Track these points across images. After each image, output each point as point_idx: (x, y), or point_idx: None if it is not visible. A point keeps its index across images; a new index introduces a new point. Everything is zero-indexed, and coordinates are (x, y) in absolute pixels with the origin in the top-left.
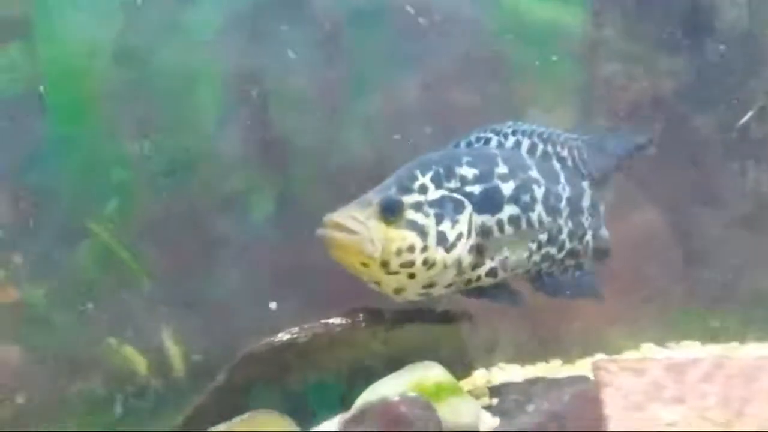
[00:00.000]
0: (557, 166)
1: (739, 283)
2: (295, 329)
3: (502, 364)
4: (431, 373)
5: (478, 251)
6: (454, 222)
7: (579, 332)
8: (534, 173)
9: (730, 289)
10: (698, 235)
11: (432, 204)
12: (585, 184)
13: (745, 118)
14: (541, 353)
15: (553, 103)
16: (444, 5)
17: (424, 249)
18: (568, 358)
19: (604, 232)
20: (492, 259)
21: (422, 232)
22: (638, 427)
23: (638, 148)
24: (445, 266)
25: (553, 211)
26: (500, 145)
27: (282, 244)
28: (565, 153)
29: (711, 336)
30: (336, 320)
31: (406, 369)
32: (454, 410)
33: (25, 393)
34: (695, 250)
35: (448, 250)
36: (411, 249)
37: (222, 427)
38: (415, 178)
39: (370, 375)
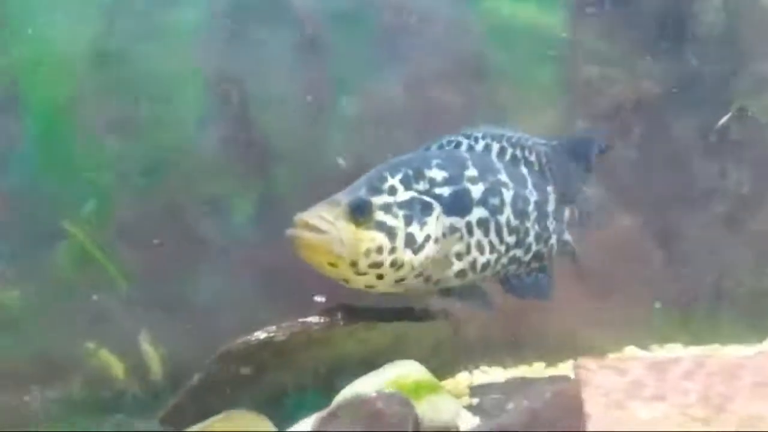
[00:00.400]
0: (525, 170)
1: (721, 284)
2: (272, 328)
3: (484, 367)
4: (410, 371)
5: (445, 253)
6: (423, 224)
7: (562, 335)
8: (503, 177)
9: (712, 290)
10: (679, 236)
11: (401, 205)
12: (550, 188)
13: (724, 120)
14: (524, 356)
15: (533, 105)
16: (425, 7)
17: (393, 250)
18: (551, 362)
19: (567, 237)
20: (461, 260)
21: (391, 234)
22: (618, 424)
23: (600, 151)
24: (413, 267)
25: (521, 214)
26: (471, 148)
27: (262, 246)
28: (532, 158)
29: (693, 338)
30: (314, 319)
31: (384, 367)
32: (433, 408)
33: None
34: (676, 251)
35: (416, 251)
36: (379, 250)
37: (198, 427)
38: (385, 180)
39: (347, 374)
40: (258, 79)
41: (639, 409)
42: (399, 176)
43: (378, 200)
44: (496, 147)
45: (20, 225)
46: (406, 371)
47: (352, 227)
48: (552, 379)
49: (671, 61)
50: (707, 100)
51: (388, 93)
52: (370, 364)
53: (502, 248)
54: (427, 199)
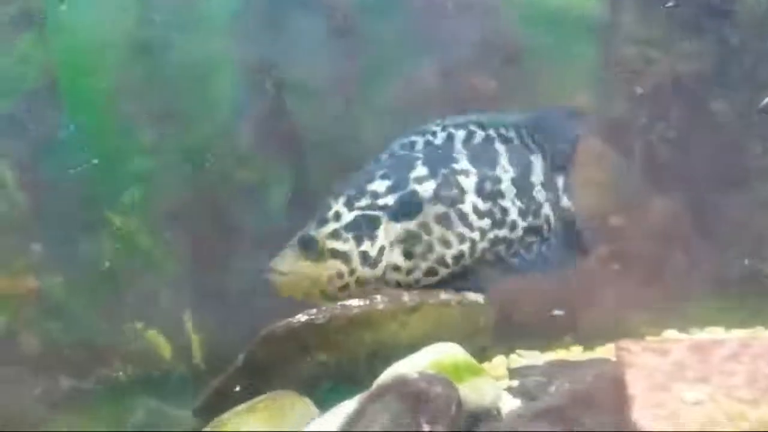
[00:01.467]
0: (501, 147)
1: (763, 267)
2: (313, 310)
3: (521, 351)
4: (451, 354)
5: (407, 257)
6: (373, 238)
7: (600, 319)
8: (462, 165)
9: (753, 273)
10: (721, 218)
11: (347, 228)
12: (534, 158)
13: (766, 100)
14: (561, 340)
15: (571, 88)
16: None
17: (352, 272)
18: (589, 345)
19: (566, 203)
20: (425, 259)
21: (345, 258)
22: (663, 406)
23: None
24: (377, 279)
25: (491, 196)
26: (428, 144)
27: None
28: (511, 134)
29: (736, 321)
30: (354, 302)
31: (425, 350)
32: (474, 390)
33: (47, 381)
34: (718, 233)
35: (373, 266)
36: (340, 275)
37: (242, 407)
38: (329, 208)
39: (388, 356)
40: (293, 67)
41: (684, 390)
42: (342, 200)
43: (325, 230)
44: (461, 134)
45: (64, 213)
46: (447, 354)
47: (308, 263)
48: (593, 362)
49: (711, 40)
50: (749, 79)
51: (422, 79)
52: (410, 347)
53: (476, 235)
54: (372, 213)
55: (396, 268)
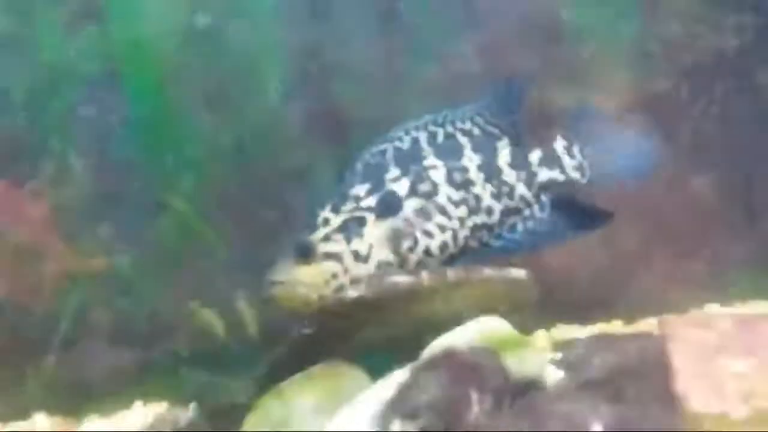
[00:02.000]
0: (463, 139)
1: None
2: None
3: (561, 325)
4: (496, 327)
5: (395, 252)
6: (361, 236)
7: (640, 294)
8: (430, 161)
9: None
10: (762, 193)
11: (337, 230)
12: (499, 143)
13: None
14: (602, 315)
15: (613, 66)
16: None
17: (346, 271)
18: (629, 320)
19: (550, 175)
20: (413, 252)
21: (338, 258)
22: (709, 378)
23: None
24: (372, 271)
25: (462, 185)
26: (397, 149)
27: None
28: (467, 126)
29: None
30: (399, 278)
31: (471, 323)
32: (520, 361)
33: (116, 355)
34: (759, 208)
35: (365, 261)
36: (335, 276)
37: (298, 377)
38: (317, 215)
39: (434, 330)
40: (338, 50)
41: (729, 364)
42: (328, 207)
43: (317, 235)
44: (423, 136)
45: (126, 197)
46: (492, 327)
47: (305, 269)
48: (636, 335)
49: (756, 14)
50: None
51: (464, 59)
52: (455, 320)
53: (456, 224)
54: (358, 214)
55: (387, 264)
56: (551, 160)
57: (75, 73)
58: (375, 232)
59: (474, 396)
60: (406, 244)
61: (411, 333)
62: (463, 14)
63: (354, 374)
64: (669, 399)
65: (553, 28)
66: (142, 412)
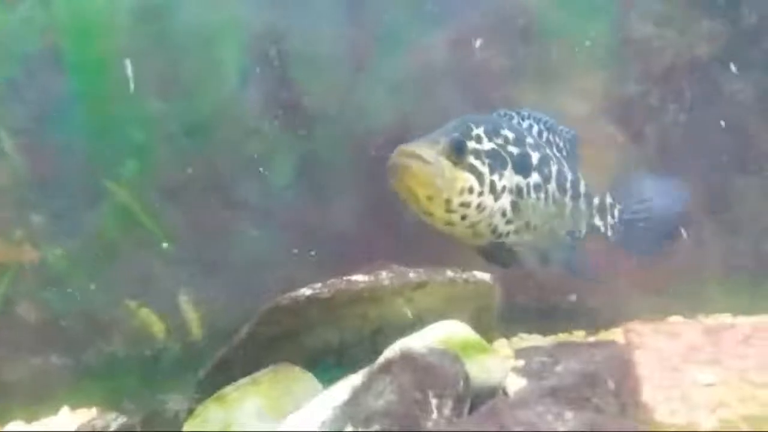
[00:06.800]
0: (557, 152)
1: None
2: (317, 285)
3: (522, 335)
4: (458, 331)
5: (514, 208)
6: (501, 175)
7: (603, 304)
8: (548, 151)
9: (764, 260)
10: (732, 203)
11: (486, 154)
12: (580, 173)
13: None
14: (564, 325)
15: (583, 66)
16: None
17: (480, 193)
18: (592, 331)
19: (598, 222)
20: (520, 218)
21: (480, 178)
22: (675, 387)
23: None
24: (492, 213)
25: (562, 188)
26: (518, 124)
27: (302, 206)
28: (561, 144)
29: (744, 308)
30: (359, 277)
31: (431, 326)
32: (481, 368)
33: (43, 354)
34: (729, 218)
35: (496, 198)
36: (471, 190)
37: (244, 380)
38: (471, 129)
39: (392, 334)
40: (299, 36)
41: (696, 372)
42: (482, 128)
43: (469, 145)
44: (536, 128)
45: (63, 183)
46: (454, 331)
47: (450, 165)
48: (599, 344)
49: (728, 19)
50: (766, 60)
51: (432, 52)
52: (414, 324)
53: (546, 217)
54: (503, 154)
55: (503, 214)
56: (602, 209)
57: (10, 46)
58: (510, 180)
59: (433, 401)
60: (521, 206)
61: (367, 337)
62: (433, 7)
63: (304, 378)
64: (635, 408)
65: (522, 26)
66: (70, 418)
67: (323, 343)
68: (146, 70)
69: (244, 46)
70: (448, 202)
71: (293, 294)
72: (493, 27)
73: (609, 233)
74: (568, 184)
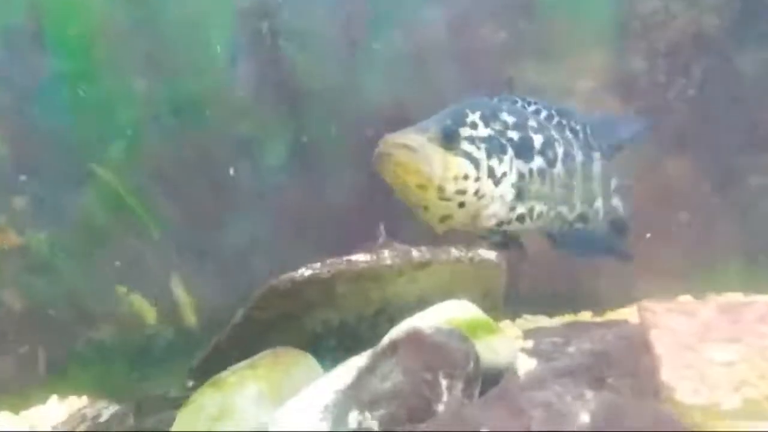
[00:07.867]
0: (570, 135)
1: None
2: (317, 265)
3: (528, 316)
4: (465, 311)
5: (516, 193)
6: (500, 160)
7: (610, 285)
8: (554, 133)
9: None
10: (740, 182)
11: (482, 140)
12: (596, 154)
13: None
14: (570, 305)
15: (587, 42)
16: None
17: (477, 179)
18: (599, 311)
19: (617, 203)
20: (524, 204)
21: (476, 164)
22: (693, 366)
23: (639, 134)
24: (492, 199)
25: (569, 171)
26: (530, 112)
27: (294, 189)
28: (578, 127)
29: (754, 288)
30: (360, 257)
31: (437, 306)
32: (490, 348)
33: (30, 342)
34: (737, 198)
35: (496, 184)
36: (466, 177)
37: (243, 364)
38: (466, 115)
39: (395, 315)
40: (291, 13)
41: (713, 351)
42: (478, 114)
43: (463, 132)
44: (544, 113)
45: (47, 165)
46: (461, 311)
47: (441, 151)
48: (610, 323)
49: None
50: None
51: (429, 30)
52: (418, 305)
53: (552, 202)
54: (503, 139)
55: (505, 200)
56: (623, 191)
57: None
58: (511, 164)
59: (443, 382)
60: (524, 192)
61: (369, 318)
62: None
63: (304, 361)
64: (654, 388)
65: (524, 2)
66: (59, 408)
67: (323, 325)
68: (130, 47)
69: (233, 24)
70: (441, 189)
71: (291, 275)
72: (492, 2)
73: (623, 213)
74: (578, 166)
